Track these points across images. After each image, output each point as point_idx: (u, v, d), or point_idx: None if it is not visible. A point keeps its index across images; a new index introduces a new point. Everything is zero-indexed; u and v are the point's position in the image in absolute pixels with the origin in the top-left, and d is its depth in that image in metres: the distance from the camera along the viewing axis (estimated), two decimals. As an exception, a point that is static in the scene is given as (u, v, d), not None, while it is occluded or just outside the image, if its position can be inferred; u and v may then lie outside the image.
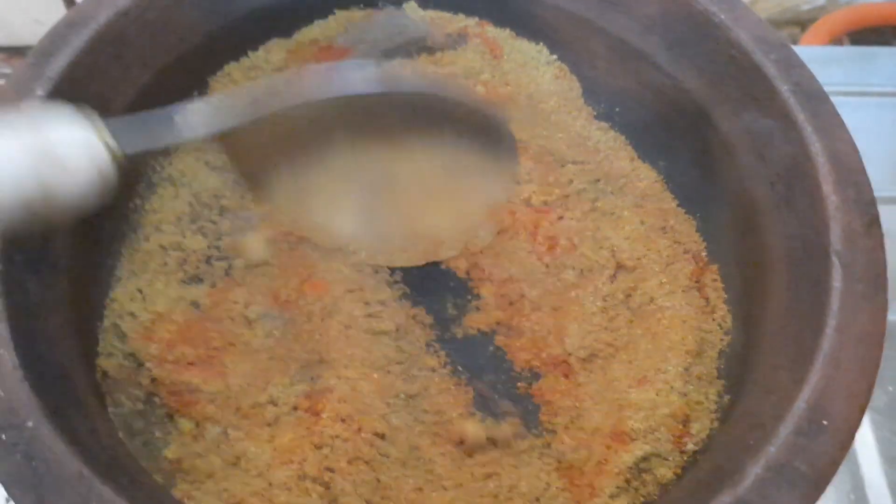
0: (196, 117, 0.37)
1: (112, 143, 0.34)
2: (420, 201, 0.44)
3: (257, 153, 0.41)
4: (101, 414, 0.37)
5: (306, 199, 0.44)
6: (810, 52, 0.74)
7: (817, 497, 0.31)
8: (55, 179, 0.32)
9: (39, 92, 0.39)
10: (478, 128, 0.42)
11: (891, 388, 0.53)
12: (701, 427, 0.40)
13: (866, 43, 0.89)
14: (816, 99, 0.40)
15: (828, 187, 0.37)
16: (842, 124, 0.39)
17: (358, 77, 0.40)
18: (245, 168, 0.43)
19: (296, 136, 0.41)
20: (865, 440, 0.51)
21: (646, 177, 0.48)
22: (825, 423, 0.32)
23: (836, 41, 0.87)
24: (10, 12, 0.99)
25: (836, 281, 0.35)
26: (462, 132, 0.42)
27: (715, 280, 0.45)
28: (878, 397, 0.53)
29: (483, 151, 0.43)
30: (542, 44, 0.51)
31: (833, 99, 0.40)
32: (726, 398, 0.40)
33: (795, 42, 0.87)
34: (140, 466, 0.36)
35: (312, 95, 0.39)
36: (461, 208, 0.45)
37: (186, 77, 0.47)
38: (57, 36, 0.41)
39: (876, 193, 0.37)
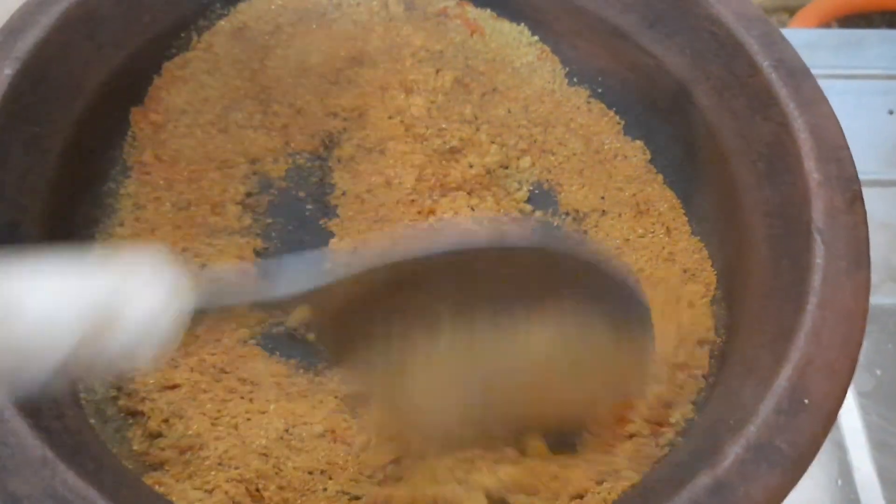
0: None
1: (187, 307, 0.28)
2: (529, 389, 0.35)
3: (346, 319, 0.33)
4: (70, 400, 0.36)
5: (400, 381, 0.35)
6: (798, 35, 0.73)
7: (798, 476, 0.31)
8: (112, 338, 0.27)
9: (7, 71, 0.38)
10: (601, 295, 0.33)
11: (879, 372, 0.52)
12: (681, 415, 0.39)
13: (855, 28, 0.88)
14: (798, 74, 0.39)
15: (809, 164, 0.37)
16: (824, 100, 0.38)
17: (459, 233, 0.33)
18: (331, 337, 0.35)
19: (389, 305, 0.33)
20: (853, 425, 0.51)
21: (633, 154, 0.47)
22: (806, 401, 0.32)
23: (825, 26, 0.87)
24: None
25: (818, 258, 0.34)
26: (582, 301, 0.33)
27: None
28: (867, 381, 0.52)
29: (610, 328, 0.34)
30: (523, 24, 0.50)
31: (820, 82, 0.40)
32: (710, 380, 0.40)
33: (784, 27, 0.87)
34: (109, 452, 0.35)
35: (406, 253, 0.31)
36: (576, 401, 0.36)
37: (161, 58, 0.46)
38: (26, 14, 0.40)
39: (863, 176, 0.37)
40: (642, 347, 0.35)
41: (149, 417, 0.38)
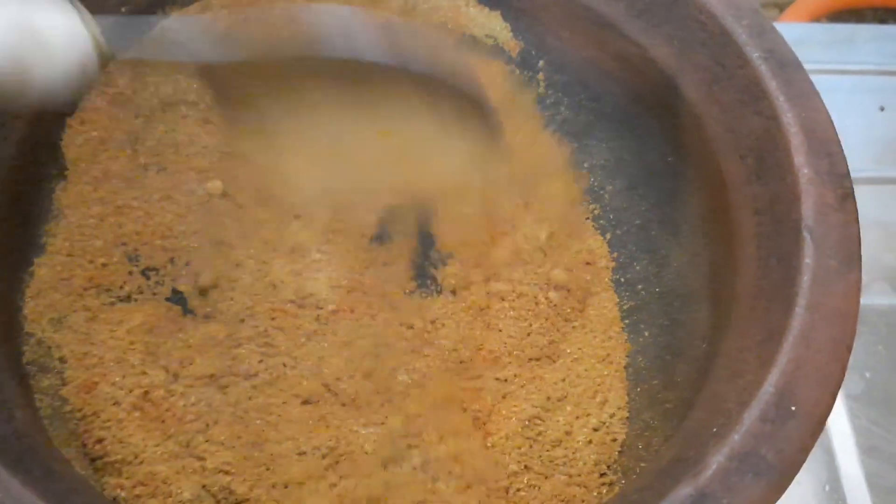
0: (189, 35, 0.36)
1: (101, 38, 0.32)
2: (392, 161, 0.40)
3: (237, 89, 0.38)
4: (22, 401, 0.34)
5: (280, 146, 0.40)
6: (788, 30, 0.71)
7: (785, 487, 0.29)
8: (33, 59, 0.30)
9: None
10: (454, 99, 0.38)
11: (868, 375, 0.51)
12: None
13: (845, 23, 0.87)
14: (789, 66, 0.38)
15: (800, 159, 0.35)
16: (815, 93, 0.37)
17: (362, 39, 0.36)
18: (223, 99, 0.39)
19: (279, 78, 0.37)
20: (841, 429, 0.49)
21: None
22: (794, 408, 0.30)
23: (815, 22, 0.85)
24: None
25: (807, 257, 0.33)
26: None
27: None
28: (856, 384, 0.51)
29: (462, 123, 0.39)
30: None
31: (811, 77, 0.38)
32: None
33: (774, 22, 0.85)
34: (60, 456, 0.33)
35: (315, 49, 0.36)
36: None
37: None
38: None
39: (854, 174, 0.35)
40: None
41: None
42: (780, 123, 0.36)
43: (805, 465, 0.47)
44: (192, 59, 0.37)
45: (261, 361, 0.39)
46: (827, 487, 0.47)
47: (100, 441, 0.36)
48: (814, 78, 0.38)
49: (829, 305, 0.32)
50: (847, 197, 0.34)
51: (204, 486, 0.35)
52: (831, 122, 0.36)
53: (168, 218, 0.42)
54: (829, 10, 0.88)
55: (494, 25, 0.48)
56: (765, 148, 0.37)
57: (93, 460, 0.36)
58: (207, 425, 0.37)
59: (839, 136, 0.37)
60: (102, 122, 0.43)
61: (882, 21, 0.90)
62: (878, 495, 0.47)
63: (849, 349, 0.32)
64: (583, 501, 0.34)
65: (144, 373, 0.37)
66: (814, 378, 0.31)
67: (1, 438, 0.30)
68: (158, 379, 0.37)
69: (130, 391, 0.37)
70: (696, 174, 0.41)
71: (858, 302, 0.33)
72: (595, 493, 0.36)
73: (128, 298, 0.40)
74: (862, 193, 0.36)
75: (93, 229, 0.42)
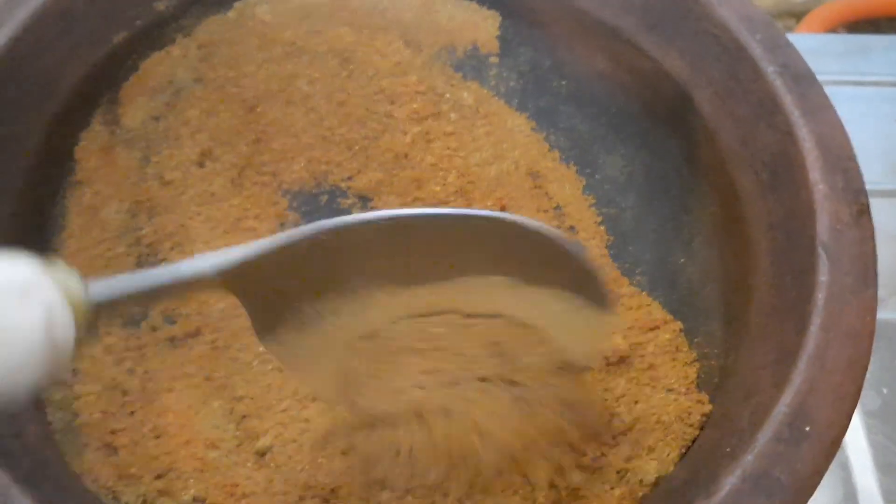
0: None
1: (75, 285, 0.25)
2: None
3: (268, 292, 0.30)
4: (33, 416, 0.34)
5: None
6: (804, 41, 0.71)
7: (798, 509, 0.29)
8: None
9: (-25, 69, 0.37)
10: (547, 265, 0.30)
11: (885, 391, 0.50)
12: None
13: (862, 33, 0.87)
14: (804, 81, 0.37)
15: (815, 174, 0.35)
16: (831, 107, 0.37)
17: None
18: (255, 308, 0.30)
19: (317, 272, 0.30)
20: (858, 445, 0.49)
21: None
22: (808, 428, 0.30)
23: (832, 32, 0.85)
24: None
25: (822, 275, 0.32)
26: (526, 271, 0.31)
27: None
28: (873, 400, 0.50)
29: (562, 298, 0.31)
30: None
31: (827, 88, 0.38)
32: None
33: (790, 32, 0.85)
34: (70, 472, 0.33)
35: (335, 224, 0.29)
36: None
37: (141, 58, 0.45)
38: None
39: (870, 186, 0.35)
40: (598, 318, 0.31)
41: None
42: (794, 138, 0.36)
43: (821, 482, 0.47)
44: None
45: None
46: (843, 505, 0.47)
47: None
48: (830, 89, 0.38)
49: (845, 324, 0.32)
50: (863, 213, 0.34)
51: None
52: (847, 136, 0.36)
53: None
54: (847, 20, 0.87)
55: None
56: (779, 162, 0.37)
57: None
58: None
59: (854, 148, 0.36)
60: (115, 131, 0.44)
61: (899, 31, 0.90)
62: (895, 513, 0.46)
63: (864, 369, 0.31)
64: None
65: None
66: (828, 398, 0.30)
67: (12, 454, 0.30)
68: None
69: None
70: (710, 188, 0.41)
71: (874, 320, 0.32)
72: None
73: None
74: (878, 206, 0.35)
75: (105, 239, 0.42)
